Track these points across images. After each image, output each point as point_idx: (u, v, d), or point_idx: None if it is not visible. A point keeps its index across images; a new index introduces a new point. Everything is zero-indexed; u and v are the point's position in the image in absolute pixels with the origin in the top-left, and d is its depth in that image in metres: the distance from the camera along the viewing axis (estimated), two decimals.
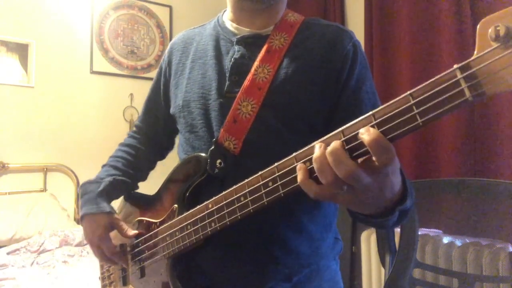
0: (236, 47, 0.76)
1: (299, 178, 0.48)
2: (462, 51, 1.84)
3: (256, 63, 0.73)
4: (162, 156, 1.03)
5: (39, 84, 2.65)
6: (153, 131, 0.97)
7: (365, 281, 2.13)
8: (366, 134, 0.42)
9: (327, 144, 0.46)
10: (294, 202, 0.71)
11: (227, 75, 0.75)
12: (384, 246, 1.45)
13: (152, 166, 1.02)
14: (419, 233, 1.60)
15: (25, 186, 2.55)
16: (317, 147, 0.46)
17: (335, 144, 0.44)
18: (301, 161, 0.49)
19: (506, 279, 1.41)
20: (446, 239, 1.67)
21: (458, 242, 1.62)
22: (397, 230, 1.45)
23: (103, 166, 0.92)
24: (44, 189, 2.62)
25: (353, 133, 0.44)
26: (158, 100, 0.92)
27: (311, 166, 0.47)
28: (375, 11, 2.30)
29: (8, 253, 1.99)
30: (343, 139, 0.45)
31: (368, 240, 2.13)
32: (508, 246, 1.52)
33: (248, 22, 0.79)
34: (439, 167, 1.93)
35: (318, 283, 0.76)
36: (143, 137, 0.98)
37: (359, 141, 0.43)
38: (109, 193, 0.85)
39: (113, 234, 0.84)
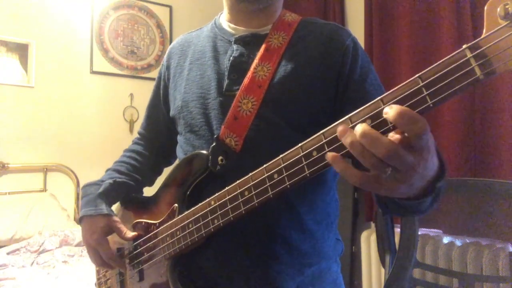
0: (235, 46, 0.76)
1: (340, 167, 0.44)
2: None
3: (255, 62, 0.73)
4: (169, 163, 1.02)
5: (39, 84, 2.65)
6: (156, 137, 0.96)
7: (365, 281, 2.13)
8: (389, 109, 0.39)
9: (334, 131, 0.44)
10: (297, 200, 0.71)
11: (226, 73, 0.74)
12: (384, 246, 1.45)
13: (158, 171, 1.01)
14: (419, 233, 1.60)
15: (25, 186, 2.55)
16: (345, 130, 0.43)
17: (363, 126, 0.41)
18: (307, 150, 0.49)
19: (506, 279, 1.41)
20: (446, 239, 1.67)
21: (458, 242, 1.62)
22: (397, 230, 1.45)
23: (107, 170, 0.92)
24: (44, 189, 2.61)
25: (361, 120, 0.43)
26: (158, 105, 0.92)
27: (317, 155, 0.47)
28: (375, 11, 2.29)
29: (8, 253, 1.98)
30: (351, 125, 0.43)
31: (368, 240, 2.13)
32: (508, 246, 1.52)
33: (245, 22, 0.79)
34: None
35: (320, 285, 0.76)
36: (147, 143, 0.98)
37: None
38: (109, 195, 0.84)
39: (111, 238, 0.82)
